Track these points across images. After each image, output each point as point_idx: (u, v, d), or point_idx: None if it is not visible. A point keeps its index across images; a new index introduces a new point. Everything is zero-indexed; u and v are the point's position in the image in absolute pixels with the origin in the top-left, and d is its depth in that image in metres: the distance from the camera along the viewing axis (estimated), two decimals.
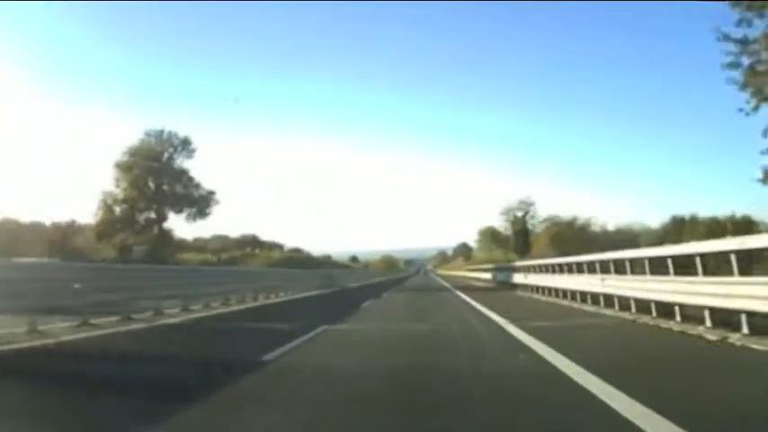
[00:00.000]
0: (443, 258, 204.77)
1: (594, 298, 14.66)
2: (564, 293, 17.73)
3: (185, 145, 46.17)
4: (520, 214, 55.78)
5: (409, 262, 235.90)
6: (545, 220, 53.51)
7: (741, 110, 17.80)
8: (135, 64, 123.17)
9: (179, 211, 43.38)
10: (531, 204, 56.50)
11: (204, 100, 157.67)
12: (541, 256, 38.92)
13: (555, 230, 45.09)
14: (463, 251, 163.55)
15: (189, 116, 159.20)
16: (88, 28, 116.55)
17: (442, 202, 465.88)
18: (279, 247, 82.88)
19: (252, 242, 68.66)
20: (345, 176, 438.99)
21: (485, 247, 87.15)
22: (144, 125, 47.57)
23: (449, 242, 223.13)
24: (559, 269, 18.59)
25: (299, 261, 55.36)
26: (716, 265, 9.23)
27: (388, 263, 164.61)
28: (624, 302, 12.52)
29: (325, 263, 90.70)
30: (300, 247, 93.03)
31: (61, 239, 36.69)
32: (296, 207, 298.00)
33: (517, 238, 50.10)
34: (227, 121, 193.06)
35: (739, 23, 16.88)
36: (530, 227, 55.41)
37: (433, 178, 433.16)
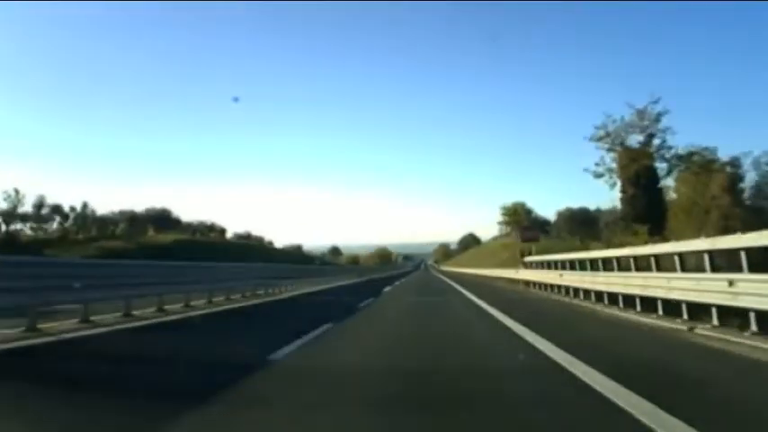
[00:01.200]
0: (445, 252, 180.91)
1: None
2: None
3: None
4: (639, 139, 23.98)
5: (408, 257, 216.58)
6: (685, 157, 22.73)
7: None
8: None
9: None
10: (658, 120, 23.35)
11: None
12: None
13: (716, 180, 18.98)
14: (470, 242, 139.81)
15: None
16: None
17: (442, 196, 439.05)
18: (218, 231, 58.60)
19: (158, 219, 44.14)
20: (344, 178, 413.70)
21: (512, 232, 62.73)
22: None
23: (449, 237, 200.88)
24: None
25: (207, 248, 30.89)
26: None
27: (382, 256, 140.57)
28: None
29: (290, 253, 67.01)
30: (256, 234, 69.18)
31: None
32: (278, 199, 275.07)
33: (642, 194, 22.07)
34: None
35: None
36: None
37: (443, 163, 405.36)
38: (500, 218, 68.17)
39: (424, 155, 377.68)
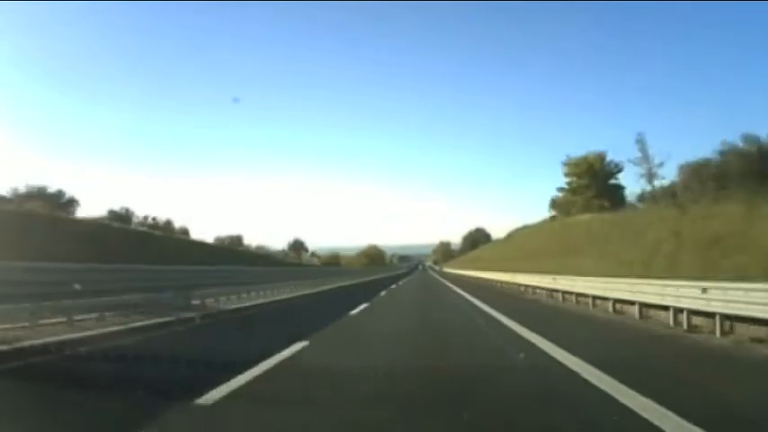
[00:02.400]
0: (446, 252, 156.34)
1: None
2: None
3: None
4: None
5: (404, 258, 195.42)
6: None
7: None
8: None
9: None
10: None
11: None
12: None
13: None
14: (479, 239, 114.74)
15: None
16: None
17: (442, 194, 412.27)
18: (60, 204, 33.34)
19: None
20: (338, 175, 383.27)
21: (586, 203, 36.65)
22: None
23: (450, 237, 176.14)
24: None
25: None
26: None
27: (371, 256, 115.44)
28: None
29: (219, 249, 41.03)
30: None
31: None
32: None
33: None
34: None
35: None
36: None
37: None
38: (569, 178, 42.11)
39: (416, 152, 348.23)
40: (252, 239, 67.26)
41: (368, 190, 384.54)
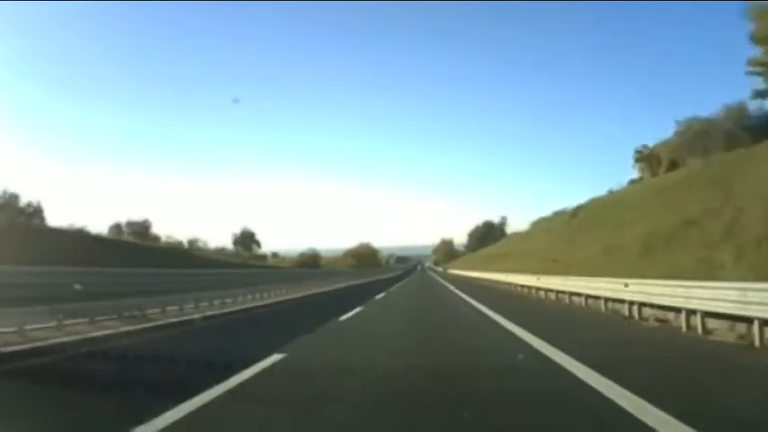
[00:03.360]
0: (448, 251, 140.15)
1: None
2: None
3: None
4: None
5: (402, 259, 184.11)
6: None
7: None
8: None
9: None
10: None
11: None
12: None
13: None
14: (488, 234, 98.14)
15: None
16: None
17: (441, 192, 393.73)
18: None
19: None
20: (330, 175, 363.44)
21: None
22: None
23: (453, 236, 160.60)
24: None
25: None
26: None
27: (361, 256, 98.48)
28: None
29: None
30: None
31: None
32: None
33: None
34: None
35: None
36: None
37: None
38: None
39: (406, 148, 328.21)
40: (191, 234, 50.86)
41: (367, 190, 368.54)
